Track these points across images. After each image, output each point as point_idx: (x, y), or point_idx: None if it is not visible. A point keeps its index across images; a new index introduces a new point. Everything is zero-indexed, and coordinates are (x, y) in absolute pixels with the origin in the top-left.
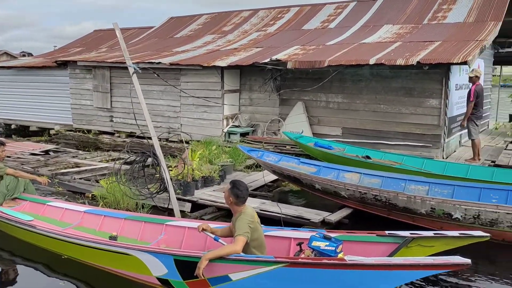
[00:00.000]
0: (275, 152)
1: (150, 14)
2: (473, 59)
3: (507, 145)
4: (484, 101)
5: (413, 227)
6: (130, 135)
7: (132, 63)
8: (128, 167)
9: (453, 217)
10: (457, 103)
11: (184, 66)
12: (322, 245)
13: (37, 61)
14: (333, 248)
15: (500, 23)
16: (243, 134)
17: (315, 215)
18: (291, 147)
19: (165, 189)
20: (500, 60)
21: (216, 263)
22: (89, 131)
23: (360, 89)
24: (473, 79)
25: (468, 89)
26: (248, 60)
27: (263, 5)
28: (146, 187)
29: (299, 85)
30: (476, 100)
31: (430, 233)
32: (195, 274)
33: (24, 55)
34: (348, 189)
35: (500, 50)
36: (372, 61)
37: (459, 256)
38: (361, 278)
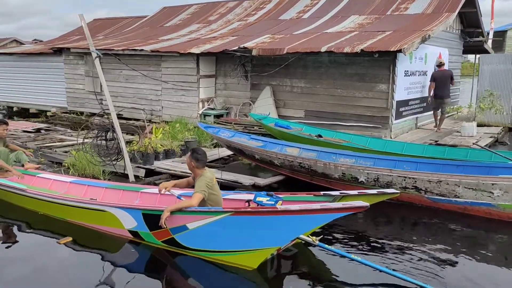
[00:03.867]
0: (244, 132)
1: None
2: (410, 48)
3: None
4: (449, 86)
5: (331, 190)
6: (118, 116)
7: (119, 49)
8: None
9: (359, 181)
10: (409, 88)
11: (163, 53)
12: (264, 200)
13: (37, 48)
14: (273, 203)
15: (455, 14)
16: (218, 116)
17: (249, 180)
18: (259, 128)
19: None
20: (469, 49)
21: (176, 215)
22: (81, 113)
23: (320, 74)
24: (439, 66)
25: None
26: (220, 48)
27: None
28: (108, 155)
29: (267, 71)
30: (434, 83)
31: (355, 192)
32: (159, 225)
33: (36, 43)
34: (279, 158)
35: (468, 39)
36: (323, 49)
37: (360, 201)
38: (290, 221)
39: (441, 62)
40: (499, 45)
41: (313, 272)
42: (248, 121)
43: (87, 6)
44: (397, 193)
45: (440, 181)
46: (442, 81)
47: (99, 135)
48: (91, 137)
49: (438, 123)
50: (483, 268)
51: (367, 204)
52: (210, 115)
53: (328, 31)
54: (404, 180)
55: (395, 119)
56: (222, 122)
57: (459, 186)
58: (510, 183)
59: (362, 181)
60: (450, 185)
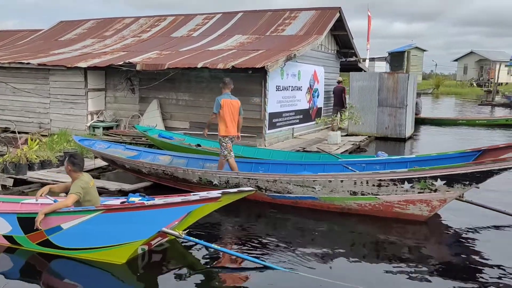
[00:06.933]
0: (132, 143)
1: (76, 13)
2: (273, 65)
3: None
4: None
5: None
6: (5, 130)
7: (5, 62)
8: None
9: (213, 184)
10: (281, 102)
11: (51, 67)
12: (137, 199)
13: None
14: (144, 202)
15: (322, 37)
16: (107, 128)
17: (116, 186)
18: (146, 139)
19: None
20: (346, 68)
21: (51, 216)
22: None
23: (202, 88)
24: (338, 82)
25: None
26: (107, 62)
27: (196, 9)
28: None
29: (153, 85)
30: (333, 96)
31: (219, 191)
32: (34, 228)
33: None
34: (146, 166)
35: (344, 59)
36: (200, 65)
37: (213, 193)
38: (155, 215)
39: (339, 80)
40: (399, 64)
41: (182, 261)
42: (136, 133)
43: None
44: (253, 190)
45: (276, 180)
46: (337, 94)
47: None
48: None
49: (336, 125)
50: (312, 248)
51: (219, 195)
52: (99, 127)
53: (211, 49)
54: (249, 181)
55: (269, 129)
56: (112, 134)
57: (290, 184)
58: (326, 179)
59: (216, 183)
60: (283, 183)
